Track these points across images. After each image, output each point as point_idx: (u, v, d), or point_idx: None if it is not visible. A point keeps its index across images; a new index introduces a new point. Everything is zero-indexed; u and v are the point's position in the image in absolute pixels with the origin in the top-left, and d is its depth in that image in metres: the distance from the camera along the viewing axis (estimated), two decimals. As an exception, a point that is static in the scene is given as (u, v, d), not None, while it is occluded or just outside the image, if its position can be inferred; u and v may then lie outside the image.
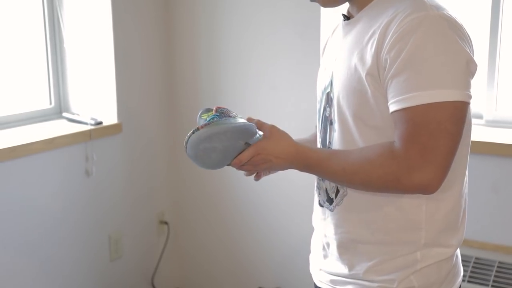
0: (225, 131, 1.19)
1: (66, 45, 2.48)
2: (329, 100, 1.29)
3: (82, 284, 2.45)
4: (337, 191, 1.28)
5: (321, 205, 1.35)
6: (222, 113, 1.24)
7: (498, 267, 2.22)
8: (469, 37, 1.17)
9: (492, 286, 2.17)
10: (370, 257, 1.25)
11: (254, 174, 1.33)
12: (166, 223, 2.80)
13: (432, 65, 1.09)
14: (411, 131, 1.10)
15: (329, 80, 1.29)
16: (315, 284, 1.40)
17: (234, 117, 1.24)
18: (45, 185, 2.27)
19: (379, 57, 1.13)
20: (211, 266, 2.84)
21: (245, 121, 1.24)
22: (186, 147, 1.20)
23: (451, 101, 1.09)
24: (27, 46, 2.46)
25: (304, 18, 2.39)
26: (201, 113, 1.24)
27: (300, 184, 2.21)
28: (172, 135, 2.78)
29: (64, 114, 2.51)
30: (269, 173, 1.39)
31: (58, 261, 2.33)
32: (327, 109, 1.30)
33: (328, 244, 1.33)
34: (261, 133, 1.25)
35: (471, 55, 1.14)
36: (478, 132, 2.28)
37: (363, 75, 1.16)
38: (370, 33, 1.17)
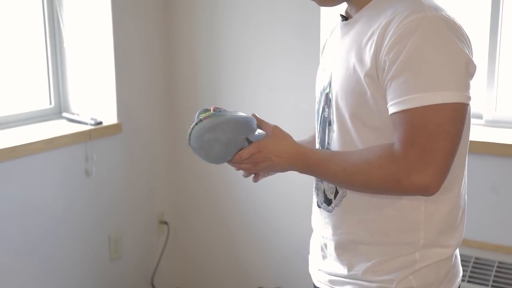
0: (227, 122, 1.20)
1: (66, 45, 2.48)
2: (327, 101, 1.29)
3: (82, 284, 2.45)
4: (336, 192, 1.28)
5: (319, 206, 1.35)
6: (220, 112, 1.25)
7: (497, 267, 2.22)
8: (468, 38, 1.17)
9: (492, 286, 2.17)
10: (369, 257, 1.25)
11: (253, 176, 1.33)
12: (166, 223, 2.80)
13: (431, 66, 1.09)
14: (410, 133, 1.10)
15: (327, 81, 1.29)
16: (314, 284, 1.40)
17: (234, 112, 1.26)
18: (45, 185, 2.27)
19: (378, 58, 1.13)
20: (211, 266, 2.84)
21: (246, 115, 1.25)
22: (190, 139, 1.21)
23: (450, 103, 1.09)
24: (27, 46, 2.46)
25: (304, 18, 2.39)
26: (199, 113, 1.25)
27: (299, 184, 2.21)
28: (172, 135, 2.78)
29: (64, 114, 2.51)
30: (268, 174, 1.39)
31: (58, 261, 2.33)
32: (326, 109, 1.30)
33: (326, 245, 1.33)
34: (262, 132, 1.25)
35: (470, 56, 1.14)
36: (478, 132, 2.28)
37: (362, 76, 1.16)
38: (368, 34, 1.17)
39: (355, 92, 1.18)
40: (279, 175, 1.42)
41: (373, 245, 1.24)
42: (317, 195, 1.36)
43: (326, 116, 1.30)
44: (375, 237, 1.24)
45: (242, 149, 1.22)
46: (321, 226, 1.34)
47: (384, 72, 1.13)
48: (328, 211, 1.31)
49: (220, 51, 2.61)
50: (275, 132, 1.24)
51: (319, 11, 2.34)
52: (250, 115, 1.27)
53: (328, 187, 1.30)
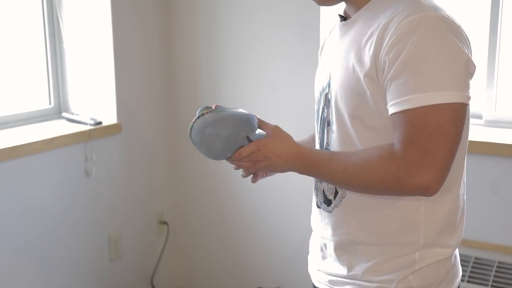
0: (229, 118, 1.21)
1: (66, 45, 2.48)
2: (327, 101, 1.29)
3: (81, 284, 2.45)
4: (336, 192, 1.28)
5: (318, 207, 1.35)
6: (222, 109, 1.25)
7: (497, 267, 2.22)
8: (467, 38, 1.17)
9: (491, 286, 2.17)
10: (368, 258, 1.25)
11: (251, 176, 1.33)
12: (165, 223, 2.80)
13: (430, 66, 1.09)
14: (410, 133, 1.10)
15: (327, 81, 1.29)
16: (313, 284, 1.40)
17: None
18: (45, 185, 2.27)
19: (378, 59, 1.13)
20: (211, 266, 2.84)
21: (248, 112, 1.26)
22: (191, 133, 1.21)
23: (450, 103, 1.09)
24: (26, 46, 2.46)
25: (304, 18, 2.39)
26: (200, 111, 1.25)
27: (299, 184, 2.21)
28: (171, 135, 2.78)
29: (64, 114, 2.51)
30: (266, 175, 1.38)
31: (58, 261, 2.33)
32: (325, 110, 1.30)
33: (326, 245, 1.33)
34: (263, 132, 1.25)
35: (470, 56, 1.14)
36: (478, 132, 2.28)
37: (361, 76, 1.16)
38: (368, 34, 1.17)
39: (355, 93, 1.18)
40: (278, 175, 1.41)
41: (373, 246, 1.24)
42: (317, 195, 1.35)
43: (325, 116, 1.30)
44: (374, 238, 1.24)
45: (242, 147, 1.22)
46: (321, 227, 1.34)
47: (383, 72, 1.13)
48: (327, 211, 1.31)
49: (220, 51, 2.61)
50: (275, 132, 1.24)
51: (318, 11, 2.34)
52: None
53: (328, 187, 1.30)
